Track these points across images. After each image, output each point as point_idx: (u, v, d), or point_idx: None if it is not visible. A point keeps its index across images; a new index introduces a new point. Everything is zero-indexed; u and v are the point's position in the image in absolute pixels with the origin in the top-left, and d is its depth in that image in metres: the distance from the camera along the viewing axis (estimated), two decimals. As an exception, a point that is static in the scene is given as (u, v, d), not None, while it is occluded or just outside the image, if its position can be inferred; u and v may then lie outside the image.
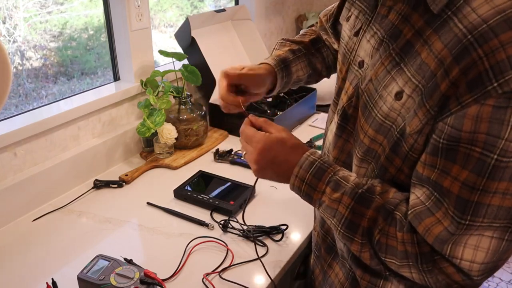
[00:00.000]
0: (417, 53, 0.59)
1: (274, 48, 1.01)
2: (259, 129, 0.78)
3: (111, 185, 1.24)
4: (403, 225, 0.63)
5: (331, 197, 0.68)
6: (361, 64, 0.70)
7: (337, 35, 0.94)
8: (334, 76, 0.89)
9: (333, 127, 0.78)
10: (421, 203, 0.61)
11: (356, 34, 0.73)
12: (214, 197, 1.15)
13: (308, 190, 0.71)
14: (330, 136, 0.79)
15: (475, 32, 0.52)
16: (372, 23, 0.69)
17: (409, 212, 0.62)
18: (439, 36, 0.57)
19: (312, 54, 1.00)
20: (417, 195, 0.62)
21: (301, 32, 1.06)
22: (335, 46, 0.97)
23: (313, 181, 0.70)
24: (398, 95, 0.61)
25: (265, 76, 0.89)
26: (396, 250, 0.63)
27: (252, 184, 1.18)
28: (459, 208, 0.56)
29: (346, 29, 0.78)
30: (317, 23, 1.04)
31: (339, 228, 0.68)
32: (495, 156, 0.53)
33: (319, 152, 0.75)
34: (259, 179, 0.80)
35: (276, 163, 0.73)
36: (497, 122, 0.52)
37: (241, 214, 1.11)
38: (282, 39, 1.02)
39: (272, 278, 0.91)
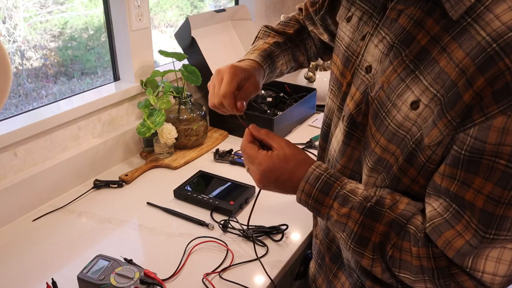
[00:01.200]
0: (434, 61, 0.57)
1: (257, 37, 0.97)
2: (261, 141, 0.76)
3: (111, 185, 1.24)
4: (417, 239, 0.61)
5: (339, 212, 0.67)
6: (368, 69, 0.68)
7: (326, 27, 0.91)
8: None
9: (338, 134, 0.76)
10: (439, 215, 0.59)
11: (363, 38, 0.70)
12: (214, 197, 1.15)
13: (315, 205, 0.69)
14: (336, 143, 0.77)
15: (500, 40, 0.50)
16: (380, 27, 0.66)
17: (427, 224, 0.61)
18: (459, 44, 0.54)
19: (296, 46, 0.97)
20: (434, 206, 0.60)
21: (282, 18, 1.02)
22: (323, 37, 0.94)
23: (319, 196, 0.68)
24: (414, 104, 0.59)
25: (259, 79, 0.85)
26: (410, 265, 0.62)
27: (253, 184, 1.19)
28: (484, 222, 0.55)
29: (346, 30, 0.75)
30: (301, 9, 0.99)
31: (349, 243, 0.66)
32: None
33: (325, 164, 0.72)
34: None
35: (280, 182, 0.72)
36: None
37: (241, 214, 1.11)
38: (265, 26, 0.98)
39: (272, 278, 0.91)
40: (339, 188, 0.68)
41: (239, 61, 0.87)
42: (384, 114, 0.64)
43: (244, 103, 0.79)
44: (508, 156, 0.51)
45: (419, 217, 0.63)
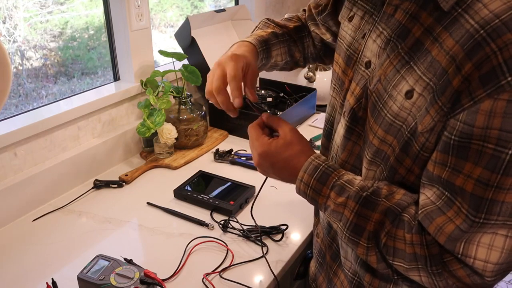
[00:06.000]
0: (427, 51, 0.59)
1: (257, 27, 0.97)
2: (270, 127, 0.77)
3: (111, 185, 1.24)
4: (411, 227, 0.62)
5: (336, 201, 0.67)
6: (368, 64, 0.69)
7: (329, 28, 0.92)
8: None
9: (340, 129, 0.77)
10: (431, 203, 0.60)
11: (363, 36, 0.72)
12: (214, 197, 1.15)
13: (313, 195, 0.70)
14: (338, 139, 0.78)
15: (487, 27, 0.52)
16: (378, 22, 0.68)
17: (419, 212, 0.61)
18: (450, 33, 0.56)
19: (293, 42, 0.97)
20: (427, 195, 0.61)
21: (286, 16, 1.03)
22: (326, 37, 0.95)
23: (317, 185, 0.69)
24: (409, 94, 0.60)
25: (256, 64, 0.83)
26: (404, 252, 0.62)
27: (253, 184, 1.19)
28: (473, 206, 0.55)
29: (347, 30, 0.77)
30: (304, 10, 1.00)
31: (344, 232, 0.67)
32: (510, 152, 0.52)
33: (324, 156, 0.74)
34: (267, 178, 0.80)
35: (276, 168, 0.73)
36: (511, 117, 0.51)
37: (241, 214, 1.11)
38: (267, 19, 0.98)
39: (275, 275, 0.91)
40: (336, 178, 0.69)
41: (233, 47, 0.85)
42: (381, 105, 0.65)
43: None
44: (496, 139, 0.52)
45: (414, 207, 0.64)
